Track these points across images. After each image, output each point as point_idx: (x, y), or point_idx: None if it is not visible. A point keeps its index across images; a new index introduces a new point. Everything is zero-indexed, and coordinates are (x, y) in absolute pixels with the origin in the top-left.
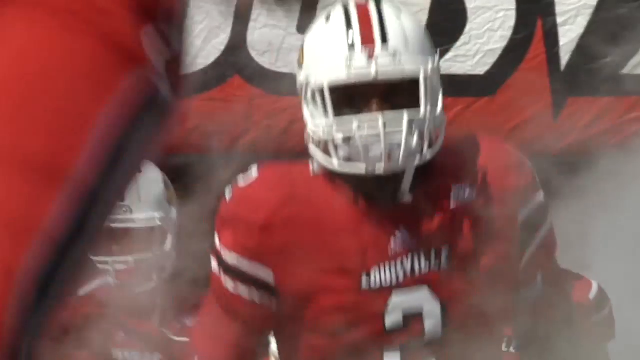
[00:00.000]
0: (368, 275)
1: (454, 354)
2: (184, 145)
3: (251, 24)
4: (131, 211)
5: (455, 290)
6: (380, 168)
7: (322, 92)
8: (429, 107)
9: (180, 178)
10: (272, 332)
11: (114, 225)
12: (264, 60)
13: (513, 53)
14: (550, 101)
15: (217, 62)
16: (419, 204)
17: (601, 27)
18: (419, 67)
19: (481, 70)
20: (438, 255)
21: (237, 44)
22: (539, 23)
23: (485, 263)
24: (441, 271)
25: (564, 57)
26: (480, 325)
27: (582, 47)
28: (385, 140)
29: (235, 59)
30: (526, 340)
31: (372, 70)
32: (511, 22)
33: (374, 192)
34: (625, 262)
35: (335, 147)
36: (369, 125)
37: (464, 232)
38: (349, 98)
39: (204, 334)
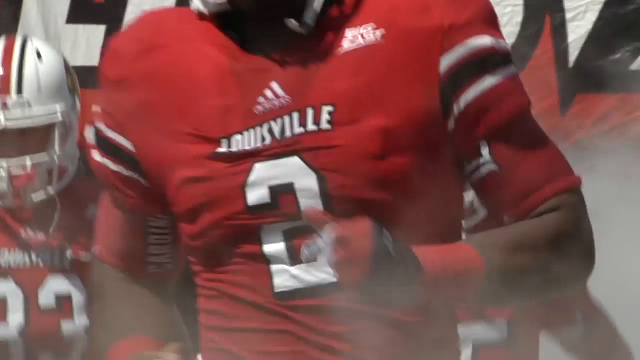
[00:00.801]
0: (228, 142)
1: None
2: None
3: None
4: (30, 105)
5: (339, 158)
6: None
7: None
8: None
9: None
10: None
11: (9, 124)
12: None
13: (521, 49)
14: (558, 98)
15: None
16: (301, 51)
17: (610, 23)
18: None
19: None
20: (316, 115)
21: None
22: (547, 19)
23: (379, 122)
24: (320, 134)
25: (573, 53)
26: (381, 208)
27: (591, 43)
28: None
29: None
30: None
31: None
32: (519, 17)
33: (261, 28)
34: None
35: None
36: None
37: (353, 84)
38: None
39: (100, 218)
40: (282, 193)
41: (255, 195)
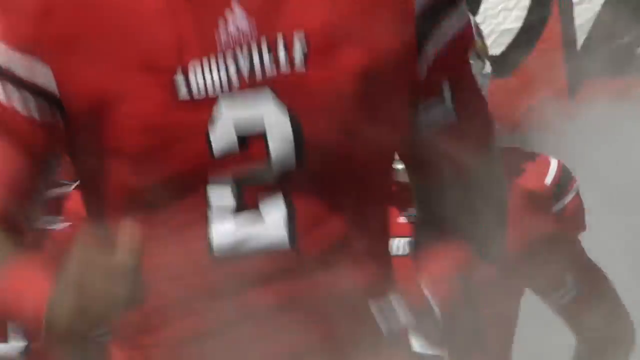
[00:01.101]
0: (185, 74)
1: (314, 191)
2: None
3: None
4: None
5: (315, 100)
6: None
7: None
8: None
9: None
10: (72, 163)
11: None
12: None
13: (528, 33)
14: (566, 82)
15: None
16: None
17: (618, 6)
18: None
19: (496, 50)
20: (288, 46)
21: None
22: (555, 2)
23: (358, 60)
24: (294, 72)
25: (580, 37)
26: (354, 153)
27: (599, 26)
28: None
29: None
30: (428, 198)
31: None
32: (526, 1)
33: None
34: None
35: None
36: None
37: (326, 17)
38: None
39: None
40: (251, 136)
41: (220, 139)
